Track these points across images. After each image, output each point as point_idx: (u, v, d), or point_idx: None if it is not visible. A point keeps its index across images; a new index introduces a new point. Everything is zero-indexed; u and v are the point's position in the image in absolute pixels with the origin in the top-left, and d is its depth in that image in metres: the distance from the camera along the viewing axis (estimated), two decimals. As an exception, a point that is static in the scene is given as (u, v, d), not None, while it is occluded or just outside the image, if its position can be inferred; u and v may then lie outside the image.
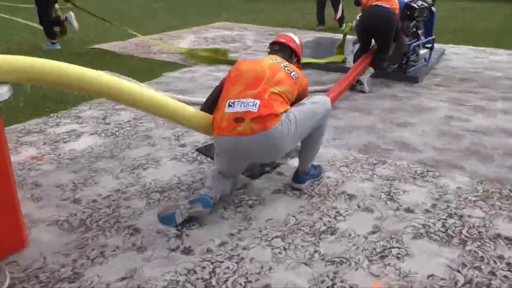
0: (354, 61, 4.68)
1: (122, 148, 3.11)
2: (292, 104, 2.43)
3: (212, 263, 1.96)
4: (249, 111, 2.20)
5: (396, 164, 2.90)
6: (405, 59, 4.92)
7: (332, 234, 2.17)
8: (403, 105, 4.11)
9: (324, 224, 2.25)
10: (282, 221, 2.27)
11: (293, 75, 2.43)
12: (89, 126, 3.51)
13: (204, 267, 1.94)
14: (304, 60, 5.68)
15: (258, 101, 2.22)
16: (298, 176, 2.61)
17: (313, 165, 2.68)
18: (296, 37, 2.81)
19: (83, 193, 2.53)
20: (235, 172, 2.48)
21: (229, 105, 2.24)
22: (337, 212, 2.36)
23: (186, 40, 7.31)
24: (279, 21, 9.38)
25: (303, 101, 2.48)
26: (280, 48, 2.69)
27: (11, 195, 1.97)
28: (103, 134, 3.35)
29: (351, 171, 2.81)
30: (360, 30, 4.78)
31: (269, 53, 2.70)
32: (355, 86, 4.53)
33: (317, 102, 2.49)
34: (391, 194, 2.53)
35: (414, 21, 4.94)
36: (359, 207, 2.41)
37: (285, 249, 2.06)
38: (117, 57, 6.05)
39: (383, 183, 2.66)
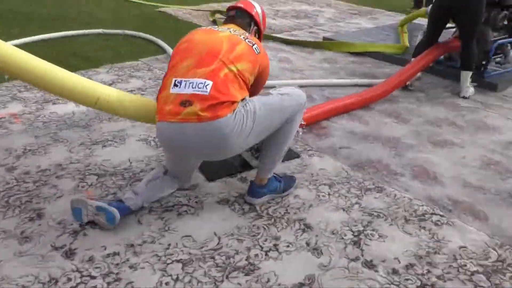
0: (414, 55, 3.84)
1: (102, 119, 2.89)
2: (250, 89, 1.96)
3: (82, 275, 1.63)
4: (198, 94, 1.75)
5: (395, 196, 2.24)
6: (486, 59, 3.94)
7: (246, 274, 1.68)
8: (457, 117, 3.26)
9: (247, 259, 1.76)
10: (201, 241, 1.84)
11: (255, 48, 1.95)
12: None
13: (70, 279, 1.61)
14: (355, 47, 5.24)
15: (210, 82, 1.76)
16: (253, 188, 2.13)
17: (277, 176, 2.18)
18: (257, 5, 2.26)
19: (25, 161, 2.35)
20: (182, 172, 2.09)
21: (175, 85, 1.81)
22: (275, 245, 1.84)
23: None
24: None
25: (270, 91, 1.97)
26: (236, 15, 2.17)
27: None
28: (95, 100, 3.17)
29: (332, 193, 2.23)
30: (435, 11, 3.72)
31: (224, 21, 2.21)
32: (408, 87, 3.75)
33: (287, 94, 1.97)
34: (361, 236, 1.93)
35: (505, 11, 3.88)
36: (307, 244, 1.86)
37: (176, 279, 1.64)
38: (176, 22, 5.90)
39: (361, 218, 2.05)
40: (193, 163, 2.10)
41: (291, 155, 2.57)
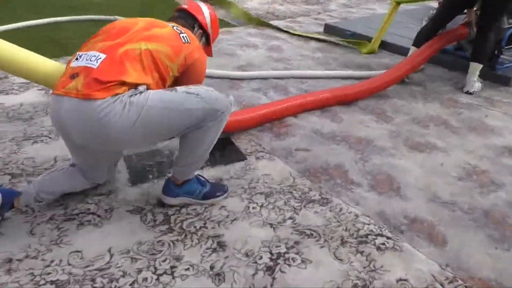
0: (415, 43, 3.39)
1: (48, 112, 2.72)
2: (174, 85, 1.72)
3: None
4: (87, 67, 1.53)
5: (340, 210, 1.90)
6: (498, 49, 3.43)
7: (121, 303, 1.43)
8: (451, 116, 2.83)
9: (132, 283, 1.50)
10: (90, 258, 1.59)
11: (183, 36, 1.74)
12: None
13: None
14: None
15: (103, 56, 1.54)
16: (167, 185, 1.88)
17: (203, 179, 1.93)
18: (206, 8, 2.01)
19: None
20: (87, 165, 1.84)
21: (76, 58, 1.60)
22: (172, 268, 1.57)
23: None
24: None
25: (178, 87, 1.66)
26: (179, 15, 1.96)
27: None
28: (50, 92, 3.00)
29: (266, 204, 1.92)
30: None
31: (167, 20, 1.94)
32: (404, 79, 3.33)
33: (197, 95, 1.63)
34: (279, 261, 1.61)
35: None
36: (211, 268, 1.57)
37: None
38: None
39: (289, 237, 1.73)
40: (93, 154, 1.80)
41: (236, 156, 2.28)
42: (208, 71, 3.35)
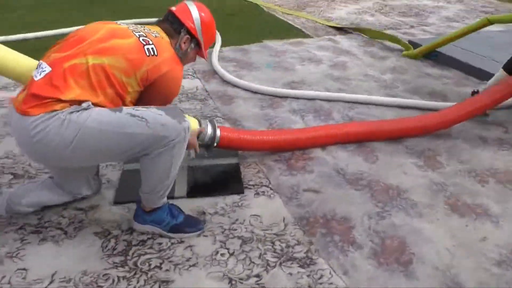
0: (506, 66, 2.73)
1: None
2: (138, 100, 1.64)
3: None
4: (34, 80, 1.51)
5: (319, 278, 1.56)
6: None
7: None
8: (471, 160, 2.23)
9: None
10: (30, 280, 1.52)
11: (148, 48, 1.59)
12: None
13: None
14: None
15: (48, 69, 1.50)
16: (137, 210, 1.76)
17: (176, 210, 1.78)
18: (196, 11, 1.79)
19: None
20: (59, 177, 1.81)
21: (37, 67, 1.57)
22: (100, 310, 1.43)
23: (356, 4, 6.06)
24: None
25: (125, 108, 1.53)
26: (165, 18, 1.80)
27: None
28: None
29: (237, 253, 1.66)
30: None
31: (156, 23, 1.81)
32: (484, 114, 2.74)
33: (143, 119, 1.49)
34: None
35: None
36: (138, 321, 1.40)
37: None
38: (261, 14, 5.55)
39: (243, 300, 1.47)
40: (54, 167, 1.76)
41: (233, 188, 2.06)
42: (246, 84, 3.17)
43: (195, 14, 1.80)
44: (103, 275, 1.56)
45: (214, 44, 4.04)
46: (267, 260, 1.64)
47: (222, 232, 1.78)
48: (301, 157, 2.32)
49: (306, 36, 4.60)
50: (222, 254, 1.67)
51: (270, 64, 3.68)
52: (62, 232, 1.77)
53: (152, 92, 1.63)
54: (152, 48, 1.59)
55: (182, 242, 1.72)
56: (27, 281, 1.53)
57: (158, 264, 1.62)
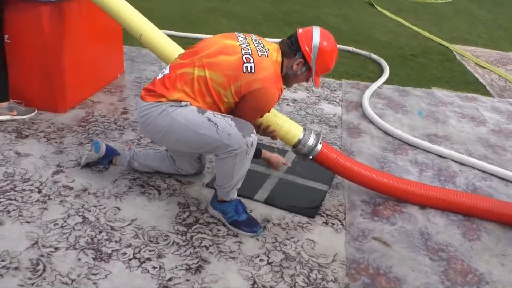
0: None
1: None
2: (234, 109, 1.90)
3: None
4: (156, 78, 1.94)
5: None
6: None
7: (91, 257, 1.71)
8: None
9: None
10: (113, 219, 1.96)
11: (247, 66, 1.79)
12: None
13: None
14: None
15: (167, 72, 1.90)
16: (213, 197, 2.04)
17: (240, 205, 1.98)
18: (318, 38, 1.88)
19: None
20: (174, 153, 2.20)
21: (164, 68, 2.00)
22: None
23: None
24: None
25: (208, 113, 1.80)
26: (289, 37, 1.94)
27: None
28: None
29: (274, 264, 1.76)
30: None
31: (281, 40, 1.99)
32: None
33: (215, 126, 1.76)
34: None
35: None
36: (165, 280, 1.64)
37: None
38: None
39: (251, 304, 1.56)
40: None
41: (306, 210, 2.13)
42: (380, 122, 3.12)
43: (315, 40, 1.88)
44: (165, 235, 1.89)
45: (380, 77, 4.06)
46: (296, 282, 1.70)
47: (273, 242, 1.90)
48: (392, 207, 2.22)
49: (486, 93, 4.15)
50: (261, 260, 1.80)
51: (421, 111, 3.50)
52: (158, 193, 2.17)
53: (243, 104, 1.85)
54: (250, 66, 1.79)
55: (236, 236, 1.92)
56: (115, 217, 1.97)
57: (207, 245, 1.85)
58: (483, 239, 2.05)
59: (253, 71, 1.79)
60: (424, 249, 1.95)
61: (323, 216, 2.11)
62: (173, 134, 1.82)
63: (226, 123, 1.76)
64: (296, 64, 1.91)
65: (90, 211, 1.99)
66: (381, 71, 4.43)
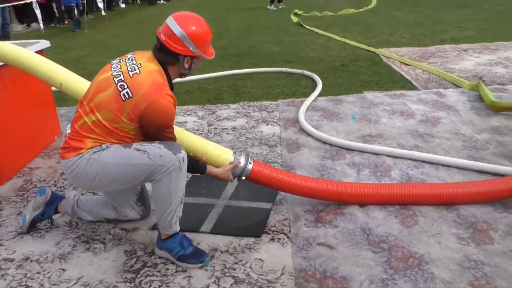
0: None
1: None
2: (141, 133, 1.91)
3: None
4: (66, 134, 1.99)
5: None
6: None
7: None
8: None
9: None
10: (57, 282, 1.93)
11: (123, 93, 1.80)
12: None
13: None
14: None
15: (69, 130, 1.97)
16: (158, 237, 2.05)
17: (187, 240, 2.00)
18: (178, 28, 1.84)
19: None
20: (107, 196, 2.23)
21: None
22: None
23: (491, 55, 5.50)
24: None
25: (134, 144, 1.87)
26: (160, 48, 1.90)
27: None
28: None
29: (225, 291, 1.79)
30: None
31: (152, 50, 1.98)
32: None
33: (144, 152, 1.82)
34: None
35: None
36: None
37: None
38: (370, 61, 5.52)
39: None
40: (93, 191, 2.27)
41: (251, 231, 2.18)
42: (316, 133, 3.24)
43: (179, 33, 1.83)
44: (113, 286, 1.87)
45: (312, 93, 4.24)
46: (246, 304, 1.73)
47: (222, 269, 1.93)
48: (333, 210, 2.31)
49: (412, 88, 4.42)
50: (211, 290, 1.82)
51: (354, 115, 3.68)
52: (103, 245, 2.16)
53: (146, 129, 1.86)
54: (127, 92, 1.80)
55: (185, 271, 1.93)
56: (60, 279, 1.93)
57: (157, 286, 1.85)
58: (420, 223, 2.17)
59: (131, 95, 1.80)
60: (366, 244, 2.03)
61: (269, 233, 2.17)
62: (107, 175, 1.85)
63: (154, 147, 1.82)
64: (185, 63, 1.92)
65: (33, 278, 1.95)
66: (315, 86, 4.63)
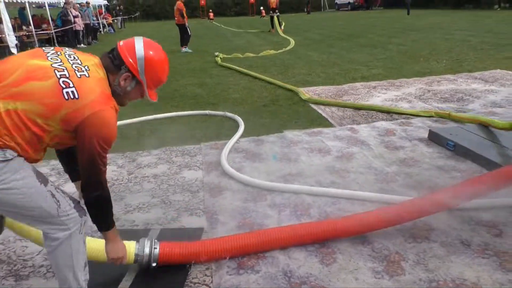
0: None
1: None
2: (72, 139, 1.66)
3: None
4: None
5: None
6: None
7: None
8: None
9: None
10: None
11: (68, 92, 1.57)
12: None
13: None
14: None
15: None
16: None
17: None
18: (141, 46, 1.74)
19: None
20: None
21: None
22: None
23: (397, 91, 6.02)
24: None
25: (52, 187, 1.68)
26: (110, 51, 1.79)
27: None
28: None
29: None
30: None
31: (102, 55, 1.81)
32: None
33: (58, 202, 1.67)
34: None
35: None
36: None
37: None
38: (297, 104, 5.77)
39: None
40: None
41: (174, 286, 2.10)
42: (238, 175, 3.26)
43: (139, 51, 1.73)
44: None
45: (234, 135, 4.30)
46: None
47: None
48: (256, 255, 2.30)
49: (328, 125, 4.67)
50: None
51: (275, 155, 3.79)
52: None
53: (82, 138, 1.62)
54: (72, 92, 1.58)
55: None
56: None
57: None
58: (339, 260, 2.23)
59: (76, 97, 1.58)
60: (288, 286, 2.04)
61: (191, 287, 2.10)
62: (6, 193, 1.57)
63: (67, 202, 1.70)
64: (123, 79, 1.75)
65: None
66: (237, 127, 4.71)
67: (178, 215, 2.82)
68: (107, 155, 1.70)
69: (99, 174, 1.69)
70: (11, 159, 1.55)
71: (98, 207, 1.74)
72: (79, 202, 1.77)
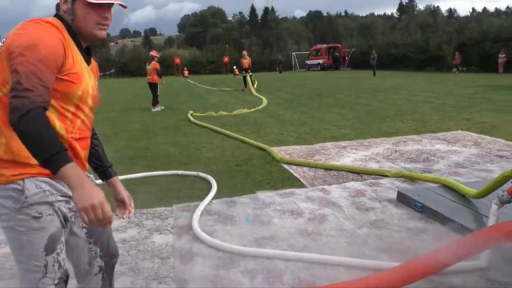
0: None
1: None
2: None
3: None
4: None
5: None
6: None
7: None
8: None
9: None
10: None
11: (1, 45, 1.52)
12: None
13: None
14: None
15: None
16: None
17: None
18: None
19: None
20: None
21: None
22: None
23: (366, 151, 6.22)
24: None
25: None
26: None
27: None
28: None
29: None
30: None
31: None
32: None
33: (42, 267, 1.60)
34: None
35: None
36: None
37: None
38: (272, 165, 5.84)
39: None
40: None
41: None
42: (210, 240, 3.21)
43: None
44: None
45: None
46: None
47: None
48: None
49: (300, 186, 4.72)
50: None
51: (248, 218, 3.77)
52: None
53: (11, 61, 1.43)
54: (3, 42, 1.54)
55: None
56: None
57: None
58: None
59: (4, 40, 1.50)
60: None
61: None
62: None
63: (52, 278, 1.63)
64: (62, 3, 1.58)
65: None
66: (210, 187, 4.69)
67: (147, 284, 2.71)
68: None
69: (21, 83, 1.38)
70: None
71: (29, 125, 1.36)
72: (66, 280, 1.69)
